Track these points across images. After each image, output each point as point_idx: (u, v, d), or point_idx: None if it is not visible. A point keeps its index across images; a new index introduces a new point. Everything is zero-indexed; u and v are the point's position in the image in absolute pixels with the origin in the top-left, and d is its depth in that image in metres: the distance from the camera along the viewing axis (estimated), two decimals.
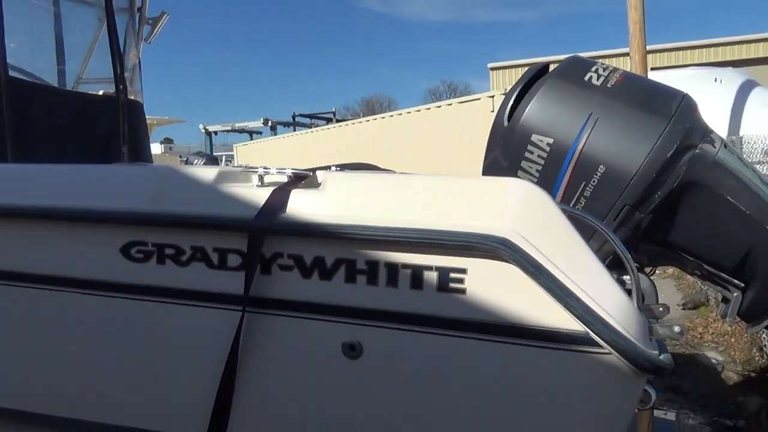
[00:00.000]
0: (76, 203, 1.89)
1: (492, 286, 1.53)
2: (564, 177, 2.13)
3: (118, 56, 4.23)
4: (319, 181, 1.77)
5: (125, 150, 4.16)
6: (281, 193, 1.70)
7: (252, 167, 1.86)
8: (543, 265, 1.46)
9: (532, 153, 2.18)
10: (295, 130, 32.86)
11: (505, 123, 2.32)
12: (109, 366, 1.93)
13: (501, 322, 1.53)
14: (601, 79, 2.27)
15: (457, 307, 1.55)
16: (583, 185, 2.10)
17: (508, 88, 7.87)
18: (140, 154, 4.30)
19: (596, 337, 1.44)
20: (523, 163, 2.20)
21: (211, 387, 1.75)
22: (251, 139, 29.66)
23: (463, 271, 1.55)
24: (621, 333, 1.44)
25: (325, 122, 33.36)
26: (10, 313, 2.00)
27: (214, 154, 26.86)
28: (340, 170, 1.90)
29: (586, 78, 2.26)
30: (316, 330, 1.68)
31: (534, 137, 2.17)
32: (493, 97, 8.59)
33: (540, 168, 2.17)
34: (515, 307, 1.52)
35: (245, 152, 20.82)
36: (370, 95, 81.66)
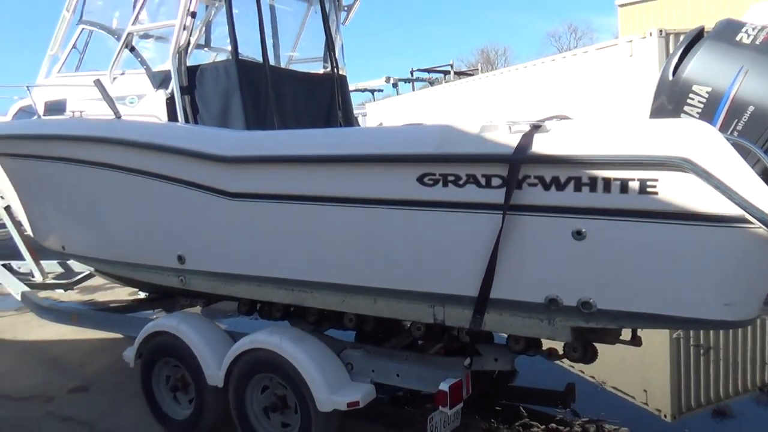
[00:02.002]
0: (384, 150, 2.98)
1: (677, 189, 2.40)
2: (720, 116, 2.88)
3: (330, 40, 5.36)
4: (548, 128, 2.70)
5: (340, 115, 5.34)
6: (526, 137, 2.66)
7: (492, 122, 2.82)
8: (712, 173, 2.30)
9: (693, 99, 2.94)
10: (413, 86, 33.63)
11: (670, 77, 3.06)
12: (408, 249, 3.04)
13: (683, 212, 2.40)
14: (750, 38, 2.95)
15: (652, 202, 2.44)
16: (735, 122, 2.84)
17: (650, 31, 8.25)
18: (349, 118, 5.46)
19: (750, 216, 2.27)
20: (686, 107, 2.97)
21: (482, 262, 2.79)
22: (373, 98, 30.91)
23: (656, 180, 2.43)
24: (767, 212, 2.25)
25: (442, 75, 33.79)
26: (341, 222, 3.18)
27: None
28: (558, 120, 2.81)
29: (738, 38, 2.96)
30: (554, 222, 2.65)
31: (695, 87, 2.92)
32: (631, 41, 8.84)
33: (700, 110, 2.93)
34: (693, 202, 2.38)
35: (375, 110, 22.02)
36: (484, 44, 79.88)
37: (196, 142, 3.59)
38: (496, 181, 2.73)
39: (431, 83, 33.46)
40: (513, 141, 2.68)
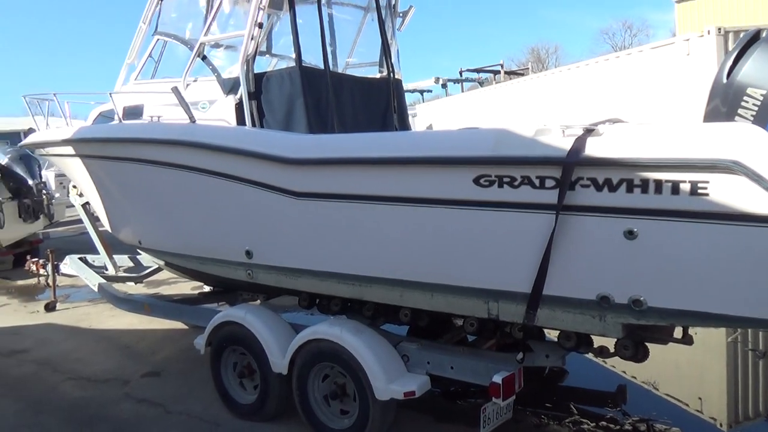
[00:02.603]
0: (442, 153, 3.16)
1: (727, 191, 2.48)
2: None
3: (386, 46, 5.57)
4: (601, 132, 2.81)
5: (396, 118, 5.53)
6: (580, 140, 2.78)
7: (546, 126, 2.95)
8: (763, 175, 2.38)
9: (747, 102, 2.99)
10: (462, 87, 33.57)
11: (724, 80, 3.12)
12: (464, 247, 3.21)
13: (734, 213, 2.48)
14: None
15: (703, 203, 2.53)
16: None
17: (708, 30, 8.13)
18: (404, 121, 5.65)
19: None
20: (740, 110, 3.02)
21: (535, 259, 2.94)
22: (422, 98, 31.03)
23: (707, 182, 2.52)
24: None
25: (492, 75, 33.60)
26: (400, 221, 3.37)
27: None
28: (611, 124, 2.92)
29: None
30: (606, 222, 2.77)
31: (749, 90, 2.98)
32: (688, 40, 8.70)
33: (754, 113, 2.97)
34: (743, 203, 2.46)
35: (424, 110, 22.17)
36: (534, 42, 78.83)
37: (266, 145, 3.86)
38: (549, 183, 2.86)
39: (481, 83, 33.26)
40: (567, 144, 2.81)
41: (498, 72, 32.67)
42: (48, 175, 12.20)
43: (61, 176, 12.29)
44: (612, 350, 3.39)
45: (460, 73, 34.44)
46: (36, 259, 8.97)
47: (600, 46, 58.43)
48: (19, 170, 10.52)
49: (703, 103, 3.30)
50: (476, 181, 3.06)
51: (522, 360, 3.51)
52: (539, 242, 2.93)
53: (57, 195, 11.75)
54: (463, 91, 32.19)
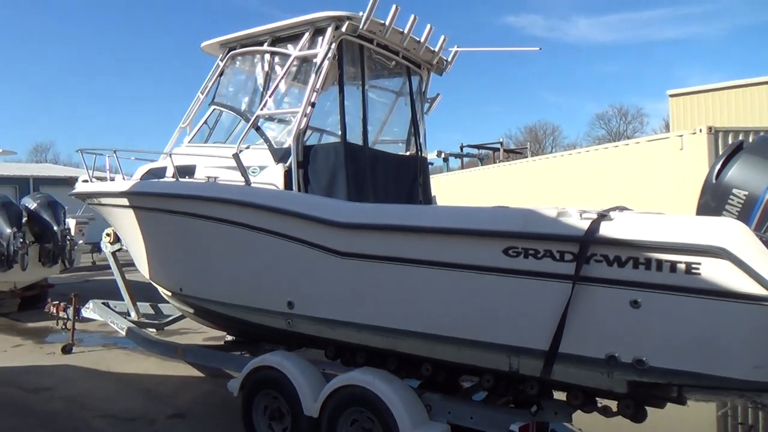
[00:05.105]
0: (479, 226, 3.73)
1: (715, 272, 3.04)
2: (755, 216, 3.53)
3: (416, 127, 6.27)
4: (612, 217, 3.40)
5: (421, 193, 6.15)
6: (595, 223, 3.36)
7: (567, 209, 3.54)
8: (744, 261, 2.94)
9: (732, 200, 3.62)
10: (462, 162, 34.82)
11: (714, 180, 3.75)
12: (491, 307, 3.72)
13: (720, 290, 3.03)
14: None
15: (695, 281, 3.08)
16: None
17: (700, 128, 8.98)
18: (428, 194, 6.28)
19: None
20: (727, 206, 3.64)
21: (553, 321, 3.45)
22: None
23: (699, 263, 3.08)
24: None
25: (491, 152, 34.97)
26: (436, 285, 3.89)
27: None
28: (619, 211, 3.51)
29: None
30: (614, 293, 3.30)
31: (734, 191, 3.61)
32: (681, 136, 9.53)
33: (738, 210, 3.59)
34: (728, 283, 3.01)
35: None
36: (533, 122, 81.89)
37: (317, 209, 4.43)
38: (568, 257, 3.42)
39: (480, 159, 34.52)
40: (584, 225, 3.39)
41: (497, 149, 33.98)
42: (69, 222, 12.70)
43: (82, 224, 12.80)
44: (615, 410, 3.83)
45: (461, 148, 35.75)
46: (57, 302, 9.33)
47: (595, 130, 60.93)
48: (46, 216, 11.02)
49: (694, 194, 3.91)
50: (505, 251, 3.61)
51: (536, 413, 3.94)
52: (557, 307, 3.45)
53: (80, 242, 12.22)
54: (463, 166, 33.36)
